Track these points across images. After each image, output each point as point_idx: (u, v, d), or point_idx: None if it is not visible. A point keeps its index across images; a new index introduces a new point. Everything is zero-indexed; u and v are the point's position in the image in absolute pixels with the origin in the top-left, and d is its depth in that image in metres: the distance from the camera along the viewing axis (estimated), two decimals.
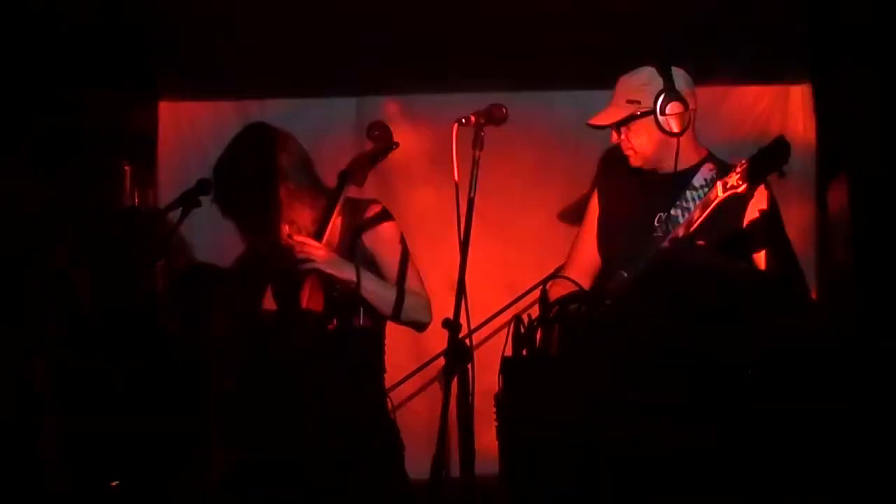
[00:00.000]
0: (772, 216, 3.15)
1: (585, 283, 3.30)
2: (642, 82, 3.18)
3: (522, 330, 2.89)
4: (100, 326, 3.79)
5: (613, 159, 3.45)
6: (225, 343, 3.38)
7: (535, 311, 2.96)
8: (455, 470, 2.90)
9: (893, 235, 3.87)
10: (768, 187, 3.15)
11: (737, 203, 3.02)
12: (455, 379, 2.81)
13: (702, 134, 3.30)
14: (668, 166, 3.21)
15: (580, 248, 3.42)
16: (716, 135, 4.13)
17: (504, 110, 2.94)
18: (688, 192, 3.20)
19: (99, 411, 3.64)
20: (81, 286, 3.82)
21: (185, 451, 3.55)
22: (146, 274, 3.71)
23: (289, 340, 3.14)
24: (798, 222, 4.18)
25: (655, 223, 3.21)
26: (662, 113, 3.16)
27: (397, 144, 3.23)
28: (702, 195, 3.15)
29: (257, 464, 3.13)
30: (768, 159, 2.80)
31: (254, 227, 3.19)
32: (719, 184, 2.91)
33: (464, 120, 2.93)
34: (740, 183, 2.86)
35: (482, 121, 2.93)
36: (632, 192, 3.30)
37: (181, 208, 3.26)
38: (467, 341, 3.03)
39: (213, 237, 4.20)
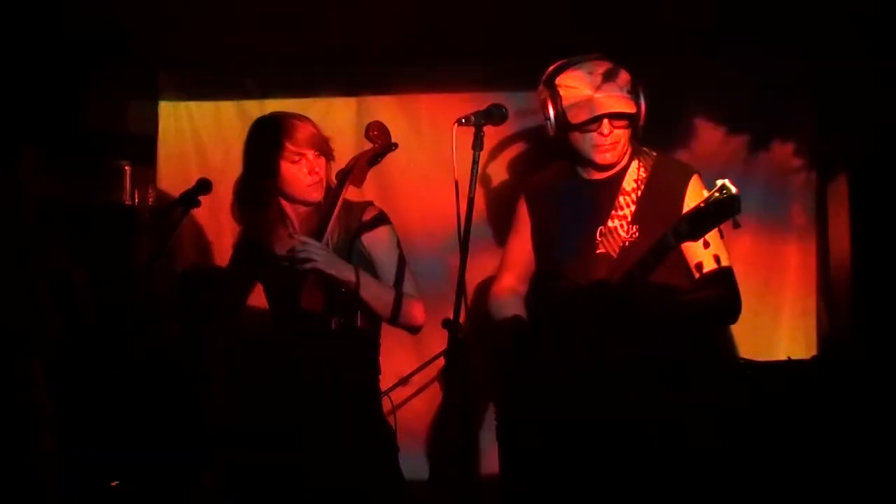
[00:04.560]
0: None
1: (523, 289, 3.25)
2: (629, 76, 3.08)
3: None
4: (100, 327, 3.79)
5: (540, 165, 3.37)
6: (222, 342, 3.38)
7: None
8: (455, 470, 2.91)
9: (893, 236, 3.86)
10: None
11: (673, 197, 2.99)
12: (455, 379, 2.81)
13: None
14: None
15: (514, 254, 3.31)
16: None
17: (504, 110, 2.94)
18: (621, 198, 3.08)
19: (97, 412, 3.65)
20: (81, 286, 3.81)
21: (184, 452, 3.55)
22: (146, 274, 3.71)
23: (288, 341, 3.15)
24: (798, 223, 4.18)
25: (598, 237, 3.07)
26: (648, 109, 3.08)
27: (396, 145, 3.24)
28: (634, 198, 3.06)
29: (251, 467, 3.13)
30: (717, 211, 2.64)
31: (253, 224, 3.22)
32: (671, 234, 2.75)
33: (464, 120, 2.92)
34: (691, 231, 2.70)
35: (482, 121, 2.92)
36: (566, 198, 3.18)
37: (181, 208, 3.26)
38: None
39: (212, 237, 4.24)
